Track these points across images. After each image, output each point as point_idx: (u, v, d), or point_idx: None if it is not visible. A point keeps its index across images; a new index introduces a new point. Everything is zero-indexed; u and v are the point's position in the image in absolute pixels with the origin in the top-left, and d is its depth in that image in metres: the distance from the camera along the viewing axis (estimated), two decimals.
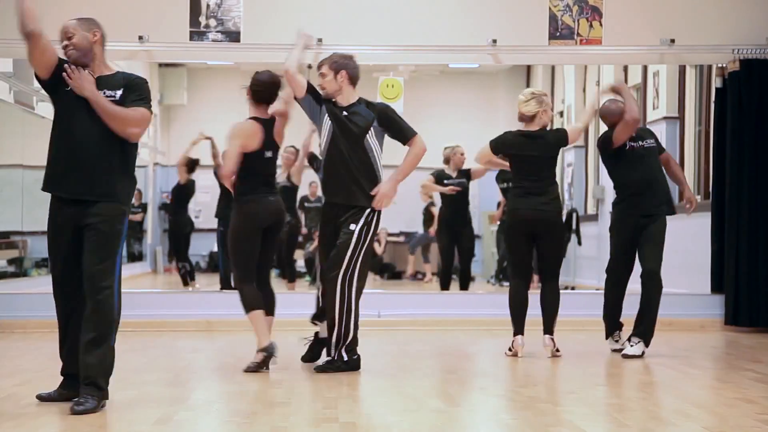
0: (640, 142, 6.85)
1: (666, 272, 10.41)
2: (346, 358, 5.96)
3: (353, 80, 6.09)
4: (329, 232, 6.01)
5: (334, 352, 5.96)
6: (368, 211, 5.98)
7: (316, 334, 6.35)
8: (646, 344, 6.73)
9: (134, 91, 4.70)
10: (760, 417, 4.43)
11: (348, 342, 5.96)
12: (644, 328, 6.73)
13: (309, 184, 15.08)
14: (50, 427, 4.21)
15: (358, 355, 6.04)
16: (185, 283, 12.51)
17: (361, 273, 5.93)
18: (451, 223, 10.22)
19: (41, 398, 4.77)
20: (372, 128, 6.04)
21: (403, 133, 6.10)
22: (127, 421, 4.33)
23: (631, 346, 6.71)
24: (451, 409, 4.83)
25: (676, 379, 5.83)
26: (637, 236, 6.79)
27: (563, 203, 14.90)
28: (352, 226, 5.94)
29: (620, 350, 6.83)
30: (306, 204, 15.06)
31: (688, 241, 10.36)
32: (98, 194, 4.62)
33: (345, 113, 6.02)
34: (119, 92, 4.68)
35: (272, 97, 6.08)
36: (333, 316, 5.91)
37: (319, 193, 15.39)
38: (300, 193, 12.17)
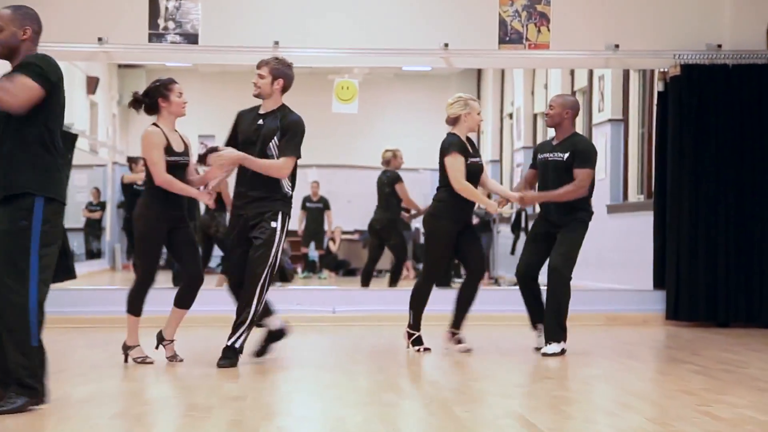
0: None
1: (610, 269, 10.50)
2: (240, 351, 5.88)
3: (285, 89, 6.03)
4: (237, 237, 5.96)
5: (240, 342, 5.84)
6: (281, 213, 5.91)
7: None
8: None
9: (21, 66, 4.28)
10: (699, 408, 4.49)
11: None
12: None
13: (310, 183, 15.04)
14: (3, 424, 4.14)
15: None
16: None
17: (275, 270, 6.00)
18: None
19: None
20: (275, 137, 5.92)
21: (286, 148, 5.89)
22: (83, 416, 4.27)
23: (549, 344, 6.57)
24: (403, 402, 4.83)
25: (619, 372, 5.89)
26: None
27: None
28: (273, 224, 5.86)
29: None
30: (308, 204, 15.03)
31: (631, 239, 10.47)
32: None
33: (261, 121, 5.95)
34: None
35: (156, 105, 6.01)
36: (250, 309, 5.79)
37: (321, 193, 15.47)
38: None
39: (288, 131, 5.92)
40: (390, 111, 17.69)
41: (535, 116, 14.70)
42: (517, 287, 6.86)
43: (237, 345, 5.83)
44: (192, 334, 6.90)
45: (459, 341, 6.67)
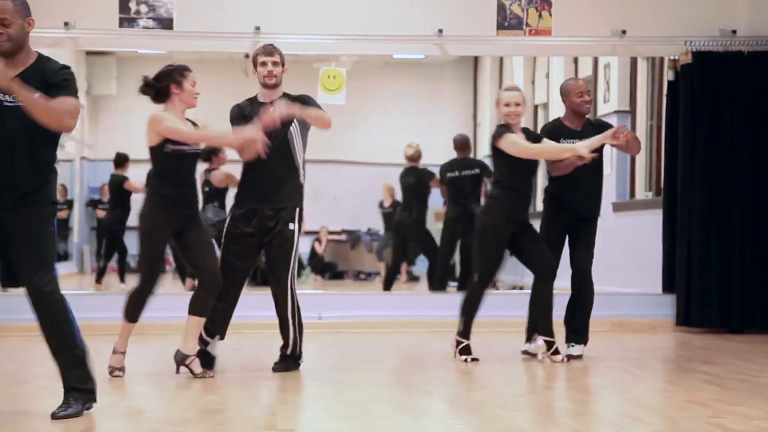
0: None
1: (616, 271, 10.50)
2: (299, 357, 6.19)
3: None
4: (247, 238, 6.07)
5: (295, 350, 6.14)
6: (297, 209, 6.14)
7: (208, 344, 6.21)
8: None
9: (58, 82, 4.41)
10: (711, 420, 4.52)
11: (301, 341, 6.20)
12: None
13: None
14: None
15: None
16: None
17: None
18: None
19: None
20: (294, 122, 6.08)
21: (317, 106, 6.18)
22: None
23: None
24: (395, 414, 4.84)
25: (625, 382, 5.92)
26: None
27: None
28: (291, 226, 6.07)
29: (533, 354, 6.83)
30: None
31: (638, 239, 10.50)
32: None
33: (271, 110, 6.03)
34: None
35: (166, 91, 5.92)
36: (286, 318, 6.10)
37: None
38: None
39: (305, 101, 6.13)
40: (380, 102, 17.70)
41: (536, 107, 14.73)
42: (518, 291, 6.90)
43: (297, 353, 6.13)
44: (164, 343, 6.90)
45: (557, 351, 6.62)
